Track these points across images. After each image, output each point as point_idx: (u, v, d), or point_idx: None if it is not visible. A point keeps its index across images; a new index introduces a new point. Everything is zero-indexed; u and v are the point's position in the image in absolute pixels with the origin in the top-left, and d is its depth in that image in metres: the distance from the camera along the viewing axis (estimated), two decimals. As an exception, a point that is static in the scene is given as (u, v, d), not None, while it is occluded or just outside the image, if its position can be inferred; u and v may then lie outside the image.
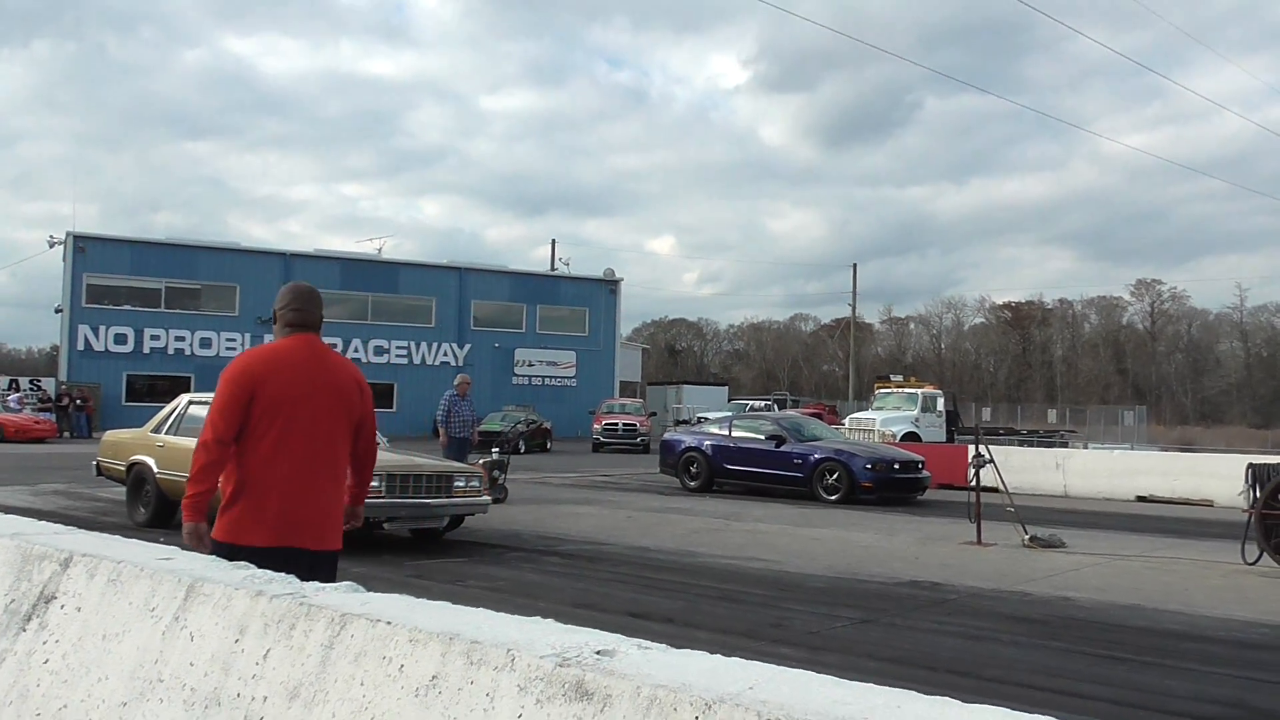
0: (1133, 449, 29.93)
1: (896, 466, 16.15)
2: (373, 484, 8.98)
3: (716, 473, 17.53)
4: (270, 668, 2.72)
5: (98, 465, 12.30)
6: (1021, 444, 29.07)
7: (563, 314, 44.78)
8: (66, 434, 31.13)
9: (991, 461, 11.34)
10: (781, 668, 2.11)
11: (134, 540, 3.70)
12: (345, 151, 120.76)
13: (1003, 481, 11.60)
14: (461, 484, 10.09)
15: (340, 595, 2.81)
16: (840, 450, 16.46)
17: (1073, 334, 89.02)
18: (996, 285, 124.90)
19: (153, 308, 36.76)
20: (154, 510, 10.97)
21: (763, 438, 17.18)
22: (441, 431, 14.77)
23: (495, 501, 12.09)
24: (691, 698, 1.95)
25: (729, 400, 46.37)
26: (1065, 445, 31.13)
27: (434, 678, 2.36)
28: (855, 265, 56.39)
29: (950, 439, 28.14)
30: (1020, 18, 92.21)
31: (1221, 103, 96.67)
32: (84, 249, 35.72)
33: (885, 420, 28.60)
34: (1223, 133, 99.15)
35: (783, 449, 16.66)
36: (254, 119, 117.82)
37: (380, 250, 44.57)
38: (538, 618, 2.59)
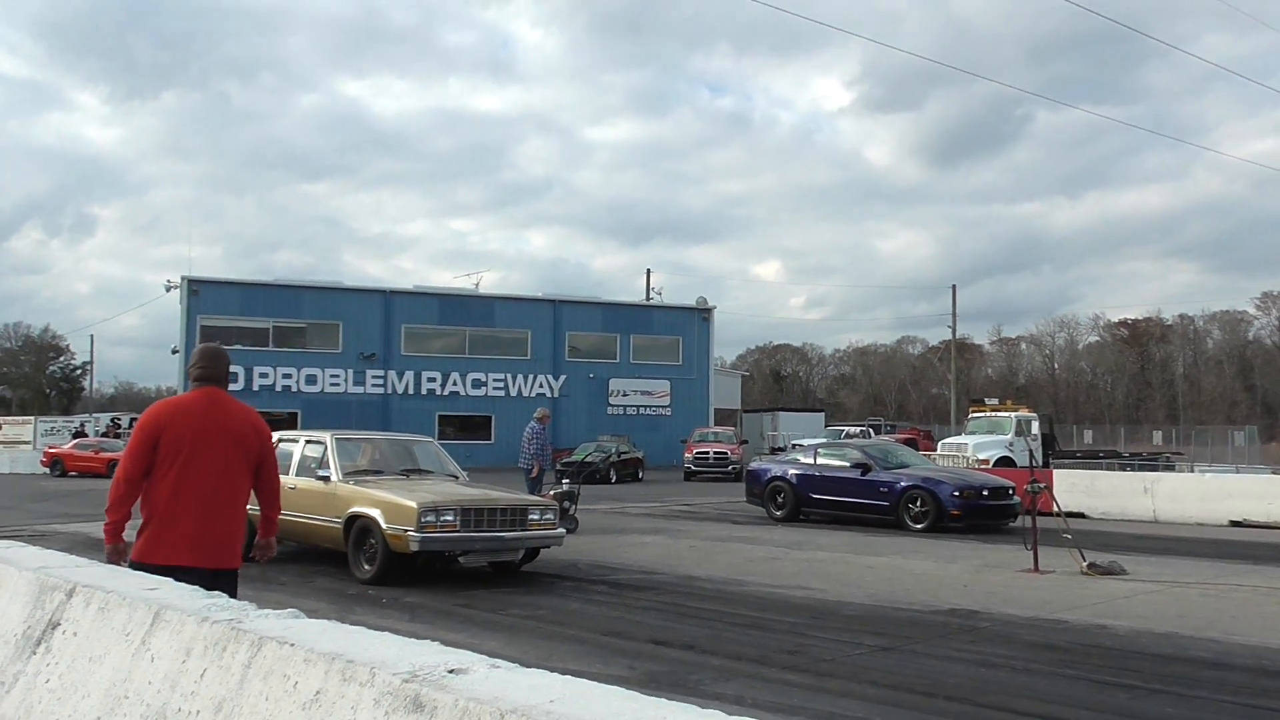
0: (1238, 471, 28.76)
1: (985, 493, 15.76)
2: (447, 517, 9.69)
3: (802, 502, 17.41)
4: (205, 685, 3.08)
5: None
6: (1122, 467, 28.26)
7: (656, 343, 45.18)
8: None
9: (1047, 488, 11.21)
10: (591, 685, 2.36)
11: (130, 572, 4.13)
12: (454, 187, 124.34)
13: (1058, 506, 11.44)
14: (536, 517, 10.33)
15: (263, 620, 3.16)
16: (927, 478, 16.21)
17: (1194, 351, 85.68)
18: (1116, 301, 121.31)
19: (261, 346, 38.45)
20: (247, 543, 11.50)
21: (848, 465, 17.00)
22: (536, 465, 15.37)
23: (566, 532, 12.41)
24: (494, 709, 2.23)
25: (825, 426, 46.07)
26: (1171, 468, 30.15)
27: (318, 693, 2.68)
28: (955, 287, 55.54)
29: (1046, 463, 27.49)
30: (1136, 23, 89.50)
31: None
32: (197, 291, 37.65)
33: (977, 445, 28.13)
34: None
35: (868, 477, 16.47)
36: (367, 158, 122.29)
37: (478, 285, 45.81)
38: (428, 640, 2.89)
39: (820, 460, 17.61)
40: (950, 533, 15.13)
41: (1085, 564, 10.78)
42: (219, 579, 4.23)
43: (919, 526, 15.47)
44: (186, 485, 4.41)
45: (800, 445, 39.70)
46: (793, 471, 17.76)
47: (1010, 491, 16.16)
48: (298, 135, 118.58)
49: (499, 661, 2.61)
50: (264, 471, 4.75)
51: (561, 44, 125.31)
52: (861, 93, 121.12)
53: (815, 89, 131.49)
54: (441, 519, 9.64)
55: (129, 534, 4.65)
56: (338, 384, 39.21)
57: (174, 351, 38.05)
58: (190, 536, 4.42)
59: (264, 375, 38.13)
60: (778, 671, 6.43)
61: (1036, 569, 10.85)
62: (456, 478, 11.47)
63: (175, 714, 3.09)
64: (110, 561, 4.42)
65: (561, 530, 10.86)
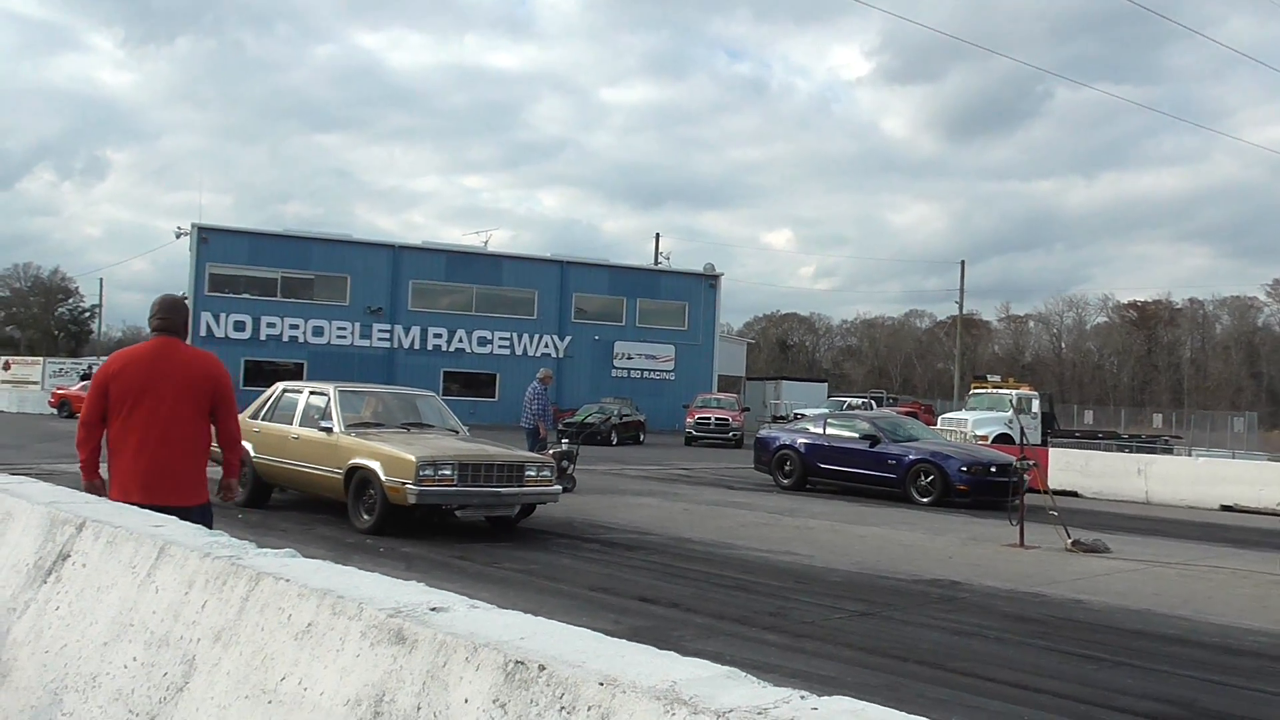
0: (1234, 456, 28.93)
1: (993, 469, 15.52)
2: (444, 472, 9.89)
3: (810, 472, 17.39)
4: (205, 615, 3.28)
5: None
6: (1121, 448, 28.47)
7: (663, 308, 45.30)
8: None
9: (1035, 465, 11.40)
10: (561, 625, 2.57)
11: (135, 509, 4.34)
12: (467, 144, 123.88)
13: (1046, 485, 11.63)
14: (533, 474, 10.54)
15: (261, 558, 3.37)
16: (935, 452, 16.17)
17: (1203, 335, 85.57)
18: (1127, 283, 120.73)
19: (269, 296, 38.64)
20: (250, 491, 11.53)
21: (857, 436, 16.94)
22: (541, 426, 15.57)
23: (564, 491, 12.62)
24: (469, 643, 2.43)
25: (828, 396, 46.26)
26: (1169, 451, 30.34)
27: (309, 625, 2.89)
28: (963, 263, 55.50)
29: (1044, 442, 27.69)
30: (1161, 4, 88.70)
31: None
32: (207, 239, 37.80)
33: (977, 421, 28.30)
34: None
35: (876, 449, 16.45)
36: (381, 112, 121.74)
37: (486, 243, 45.84)
38: (412, 580, 3.10)
39: (829, 430, 17.56)
40: (957, 508, 15.07)
41: (1070, 541, 10.99)
42: (189, 515, 4.47)
43: (926, 500, 15.48)
44: (135, 428, 4.82)
45: (804, 415, 39.91)
46: (801, 440, 17.73)
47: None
48: (311, 86, 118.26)
49: (478, 602, 2.81)
50: (219, 415, 5.05)
51: (579, 3, 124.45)
52: (880, 63, 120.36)
53: (834, 58, 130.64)
54: (439, 473, 9.84)
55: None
56: (344, 337, 39.43)
57: (183, 298, 38.26)
58: (140, 474, 4.82)
59: (271, 325, 38.35)
60: (758, 631, 6.66)
61: (1022, 544, 11.06)
62: (457, 432, 11.65)
63: (177, 641, 3.30)
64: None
65: (558, 488, 11.05)
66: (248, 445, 11.64)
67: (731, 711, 1.94)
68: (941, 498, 15.37)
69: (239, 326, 37.78)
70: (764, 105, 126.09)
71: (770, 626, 6.81)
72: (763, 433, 19.80)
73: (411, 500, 9.73)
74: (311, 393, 11.72)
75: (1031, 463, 11.42)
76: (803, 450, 17.54)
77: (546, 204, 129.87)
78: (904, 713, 2.16)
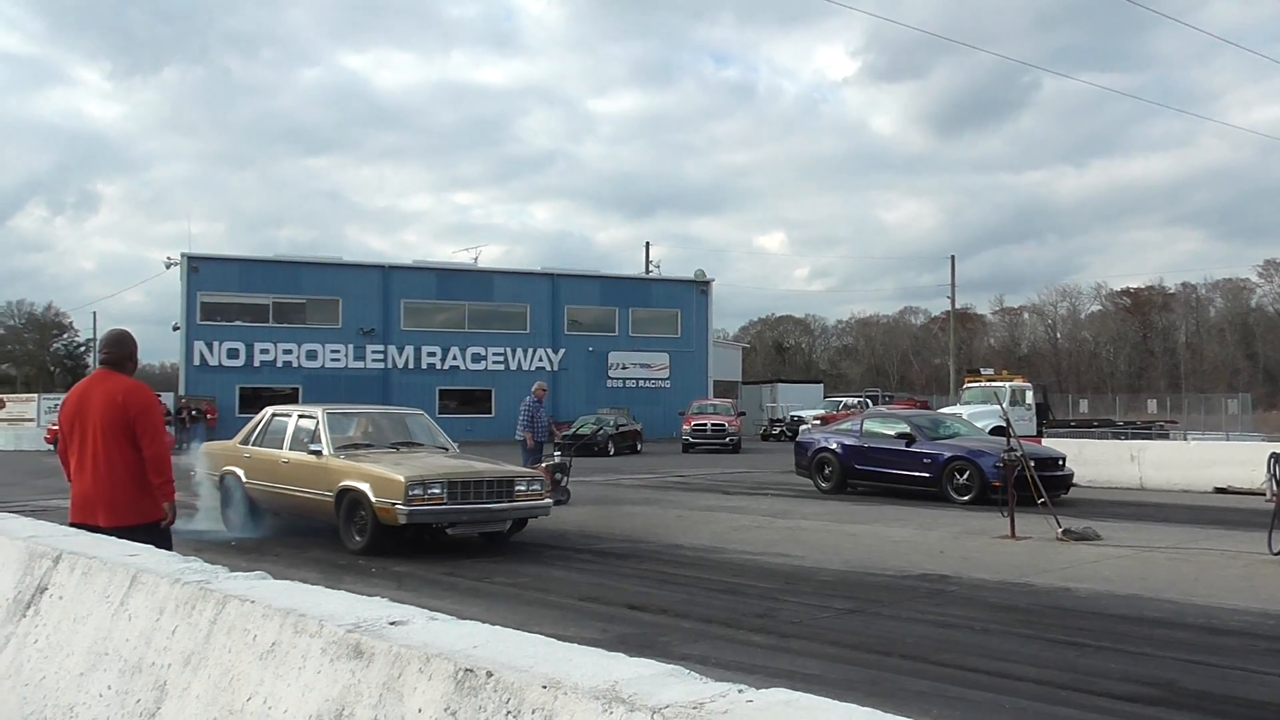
0: (1228, 439, 29.00)
1: (1031, 464, 14.07)
2: (434, 490, 9.95)
3: (849, 474, 16.96)
4: (176, 640, 3.34)
5: (194, 477, 12.86)
6: (1116, 435, 28.50)
7: (655, 316, 45.40)
8: (184, 445, 33.07)
9: (1024, 455, 11.45)
10: (514, 633, 2.62)
11: (113, 540, 4.39)
12: (457, 160, 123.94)
13: (1031, 475, 11.69)
14: (523, 488, 10.59)
15: (230, 581, 3.42)
16: (971, 449, 15.68)
17: (1197, 319, 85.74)
18: (1121, 270, 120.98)
19: (261, 322, 38.70)
20: (243, 517, 11.77)
21: (893, 435, 16.52)
22: (529, 436, 15.66)
23: (557, 503, 12.61)
24: (423, 653, 2.49)
25: (824, 397, 46.31)
26: (1165, 436, 30.39)
27: (273, 644, 2.94)
28: (953, 257, 55.52)
29: (1039, 432, 27.74)
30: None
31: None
32: (197, 268, 37.88)
33: (972, 414, 28.29)
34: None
35: (913, 448, 16.03)
36: (370, 132, 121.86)
37: (476, 259, 45.98)
38: (378, 597, 3.15)
39: (867, 430, 17.13)
40: (994, 505, 13.67)
41: (1060, 530, 11.04)
42: (133, 534, 4.79)
43: (963, 499, 15.00)
44: (75, 455, 5.44)
45: (802, 417, 39.93)
46: (839, 442, 17.28)
47: (1060, 462, 15.61)
48: (300, 110, 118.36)
49: (437, 614, 2.86)
50: (141, 442, 5.36)
51: (564, 15, 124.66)
52: (866, 62, 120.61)
53: (819, 58, 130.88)
54: (429, 491, 9.87)
55: None
56: (338, 359, 39.49)
57: (175, 328, 38.32)
58: (80, 498, 5.40)
59: (264, 351, 38.40)
60: (745, 634, 6.71)
61: (1013, 535, 11.10)
62: (446, 450, 11.68)
63: (149, 667, 3.35)
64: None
65: (548, 501, 11.08)
66: (238, 471, 11.90)
67: (668, 707, 2.00)
68: (980, 495, 14.71)
69: (232, 354, 37.82)
70: (752, 109, 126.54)
71: (757, 628, 6.86)
72: (802, 436, 19.33)
73: (402, 520, 9.76)
74: (300, 416, 11.76)
75: (1020, 453, 11.46)
76: (840, 452, 17.15)
77: (539, 217, 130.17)
78: (842, 702, 2.22)
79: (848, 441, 17.20)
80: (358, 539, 10.25)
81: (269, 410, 12.51)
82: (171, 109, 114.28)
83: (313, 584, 3.86)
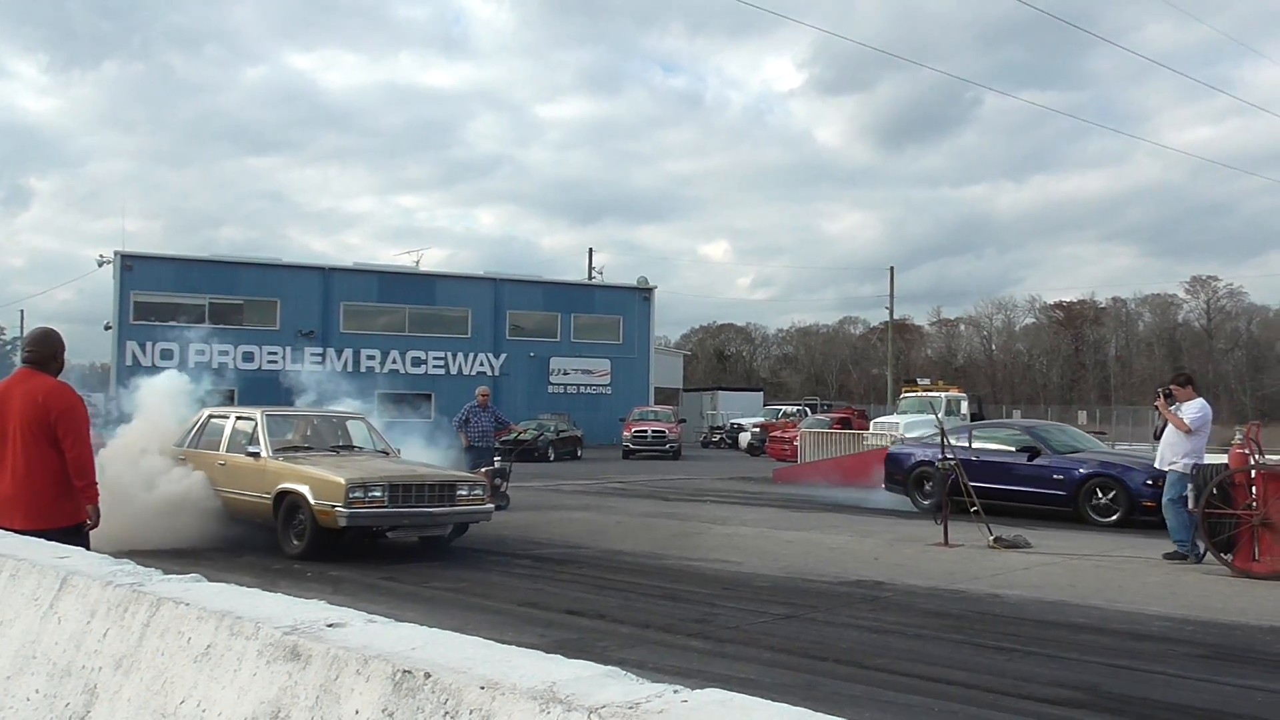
0: (1153, 449, 29.69)
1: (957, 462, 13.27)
2: (375, 493, 9.81)
3: (956, 490, 14.91)
4: (107, 644, 3.30)
5: None
6: (1047, 446, 29.05)
7: (597, 322, 45.44)
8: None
9: (957, 463, 11.67)
10: (453, 635, 2.63)
11: (42, 541, 4.31)
12: (403, 163, 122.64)
13: (965, 485, 11.91)
14: (464, 492, 10.50)
15: (164, 583, 3.39)
16: (1109, 463, 14.44)
17: (1127, 333, 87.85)
18: (1057, 284, 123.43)
19: (197, 323, 38.03)
20: None
21: (1013, 449, 15.15)
22: (463, 436, 15.61)
23: (498, 509, 12.57)
24: (360, 655, 2.49)
25: (764, 405, 46.66)
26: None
27: (208, 646, 2.92)
28: (892, 269, 56.50)
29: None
30: (1083, 10, 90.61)
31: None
32: (131, 267, 37.12)
33: (908, 424, 28.69)
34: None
35: (1038, 462, 14.70)
36: (314, 133, 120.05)
37: (418, 262, 45.66)
38: (315, 600, 3.14)
39: (977, 444, 15.69)
40: (1142, 527, 13.06)
41: (992, 538, 11.26)
42: (54, 538, 4.61)
43: (1106, 520, 13.74)
44: (1, 457, 5.30)
45: (741, 425, 40.03)
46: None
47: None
48: (243, 109, 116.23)
49: (375, 617, 2.87)
50: (64, 445, 5.27)
51: (514, 20, 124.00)
52: (813, 74, 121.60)
53: (767, 70, 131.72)
54: (369, 495, 9.79)
55: None
56: (275, 361, 38.91)
57: (107, 328, 37.50)
58: (5, 502, 5.24)
59: (200, 352, 37.65)
60: (682, 639, 6.76)
61: (946, 543, 11.31)
62: (388, 454, 11.60)
63: (79, 671, 3.31)
64: None
65: (490, 506, 11.01)
66: None
67: (604, 707, 2.03)
68: (1126, 517, 13.56)
69: (166, 355, 36.99)
70: (699, 118, 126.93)
71: (695, 633, 6.91)
72: (895, 448, 17.93)
73: (342, 523, 9.67)
74: (238, 418, 11.64)
75: (954, 462, 11.68)
76: None
77: (484, 222, 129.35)
78: (780, 703, 2.26)
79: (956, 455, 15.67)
80: (296, 543, 10.13)
81: (205, 411, 12.31)
82: (110, 104, 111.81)
83: (248, 588, 3.85)
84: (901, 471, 16.61)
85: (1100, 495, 14.11)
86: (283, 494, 10.26)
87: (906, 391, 33.39)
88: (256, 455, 10.72)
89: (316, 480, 9.97)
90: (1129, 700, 5.43)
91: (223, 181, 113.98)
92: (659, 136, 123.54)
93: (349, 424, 12.37)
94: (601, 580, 9.15)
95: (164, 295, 37.81)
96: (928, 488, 15.80)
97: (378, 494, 9.87)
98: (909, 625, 7.25)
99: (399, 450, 11.98)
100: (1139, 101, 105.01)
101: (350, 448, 11.57)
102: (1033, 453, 14.83)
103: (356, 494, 9.70)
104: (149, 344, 36.89)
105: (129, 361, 36.01)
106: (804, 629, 7.12)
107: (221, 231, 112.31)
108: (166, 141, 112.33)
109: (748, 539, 12.05)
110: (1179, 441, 10.28)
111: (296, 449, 11.09)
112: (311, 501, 9.88)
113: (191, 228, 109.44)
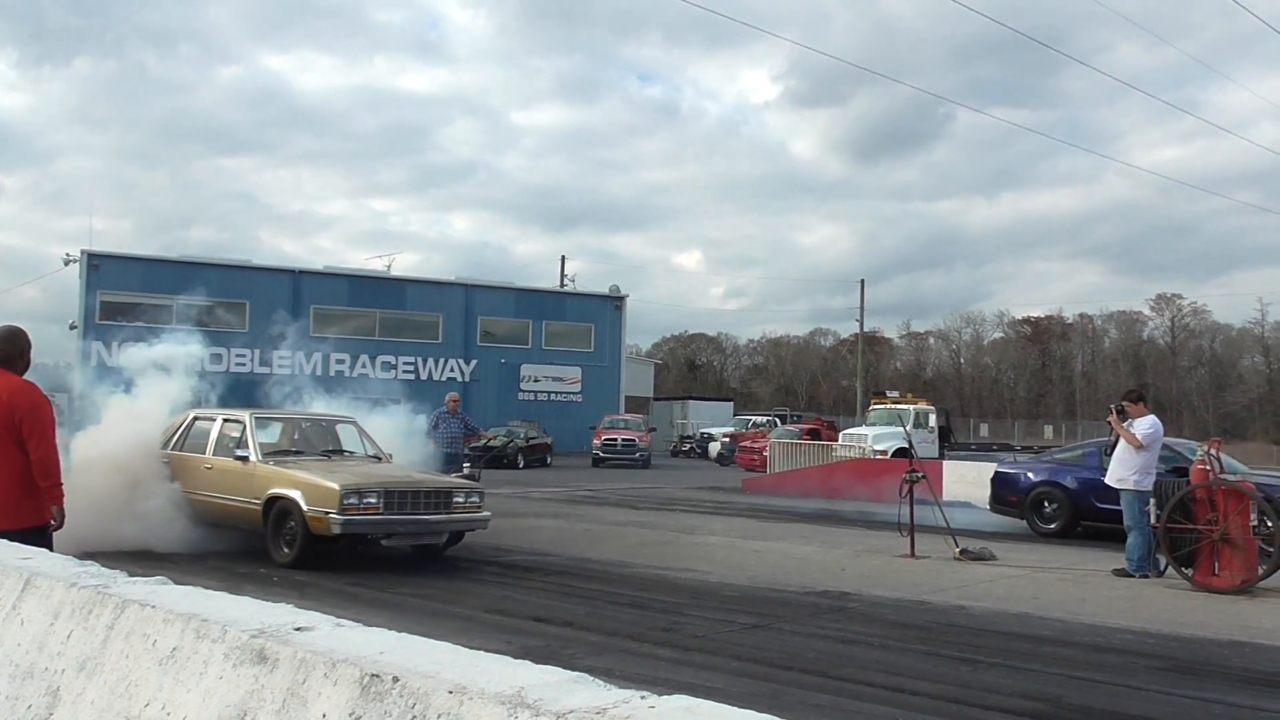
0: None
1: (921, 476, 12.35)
2: (370, 500, 9.51)
3: (1084, 514, 14.24)
4: (71, 645, 3.27)
5: None
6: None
7: (569, 330, 45.38)
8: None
9: (924, 477, 11.75)
10: (421, 640, 2.63)
11: (4, 542, 4.27)
12: (377, 167, 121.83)
13: (935, 496, 12.01)
14: (461, 499, 10.22)
15: (130, 585, 3.36)
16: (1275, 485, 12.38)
17: (1093, 349, 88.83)
18: (1026, 299, 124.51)
19: (164, 324, 37.62)
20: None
21: (1164, 470, 12.03)
22: (432, 442, 15.53)
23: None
24: (328, 659, 2.49)
25: (734, 415, 46.78)
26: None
27: (174, 649, 2.91)
28: (863, 281, 56.88)
29: (941, 454, 28.42)
30: (1056, 30, 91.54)
31: (1258, 114, 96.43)
32: (98, 266, 36.74)
33: (877, 436, 28.89)
34: (1260, 144, 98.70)
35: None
36: (288, 135, 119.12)
37: (389, 266, 45.43)
38: (282, 603, 3.13)
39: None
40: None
41: (958, 550, 11.35)
42: (16, 540, 4.57)
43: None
44: None
45: (711, 435, 40.07)
46: (1070, 477, 14.57)
47: None
48: (216, 109, 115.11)
49: (343, 621, 2.86)
50: (29, 445, 5.21)
51: (491, 27, 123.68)
52: (788, 87, 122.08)
53: (743, 82, 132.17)
54: (364, 501, 9.48)
55: None
56: (243, 363, 38.62)
57: (72, 327, 37.06)
58: None
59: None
60: (650, 647, 6.77)
61: (913, 555, 11.37)
62: (379, 459, 11.29)
63: (42, 673, 3.28)
64: None
65: (487, 513, 10.61)
66: None
67: (572, 712, 2.04)
68: None
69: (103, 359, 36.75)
70: (675, 128, 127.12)
71: (662, 642, 6.93)
72: (1005, 467, 16.59)
73: (336, 530, 9.34)
74: (225, 420, 11.26)
75: (921, 474, 11.76)
76: (1073, 487, 14.43)
77: (457, 227, 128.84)
78: (743, 709, 2.28)
79: (1083, 474, 14.25)
80: (285, 551, 9.83)
81: (190, 413, 11.87)
82: (81, 102, 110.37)
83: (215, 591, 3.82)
84: (1016, 493, 15.31)
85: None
86: (273, 500, 9.93)
87: (875, 403, 33.60)
88: (245, 459, 10.38)
89: (309, 485, 9.66)
90: (1090, 712, 5.49)
91: (194, 182, 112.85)
92: (634, 145, 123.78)
93: (339, 428, 11.99)
94: (569, 588, 9.15)
95: (131, 295, 37.42)
96: (1048, 509, 14.74)
97: (373, 500, 9.53)
98: (875, 636, 7.29)
99: (390, 455, 11.68)
100: (1109, 121, 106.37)
101: (342, 452, 11.25)
102: (1181, 472, 11.65)
103: (351, 500, 9.39)
104: (114, 344, 36.46)
105: (94, 362, 35.57)
106: (771, 638, 7.15)
107: (191, 232, 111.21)
108: (137, 140, 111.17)
109: (716, 548, 12.07)
110: (1130, 458, 10.39)
111: (287, 453, 10.77)
112: (304, 507, 9.55)
113: (161, 228, 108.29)
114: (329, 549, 9.82)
